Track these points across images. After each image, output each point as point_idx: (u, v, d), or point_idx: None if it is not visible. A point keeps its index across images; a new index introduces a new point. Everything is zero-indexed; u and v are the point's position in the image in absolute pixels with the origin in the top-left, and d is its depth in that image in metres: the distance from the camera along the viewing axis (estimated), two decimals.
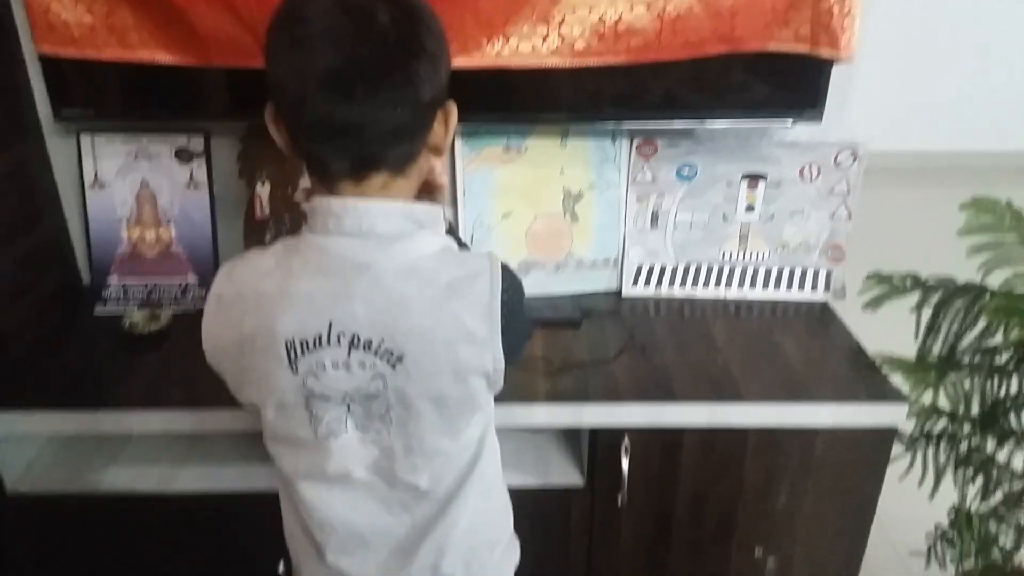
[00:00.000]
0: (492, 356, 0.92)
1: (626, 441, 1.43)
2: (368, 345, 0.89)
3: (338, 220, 0.88)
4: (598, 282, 1.79)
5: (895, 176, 1.95)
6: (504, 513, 1.11)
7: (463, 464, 0.99)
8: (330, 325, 0.88)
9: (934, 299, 1.51)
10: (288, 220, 1.69)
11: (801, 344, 1.57)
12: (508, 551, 1.12)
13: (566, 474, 1.54)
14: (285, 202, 1.69)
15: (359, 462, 0.95)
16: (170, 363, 1.50)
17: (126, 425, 1.37)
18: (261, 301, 0.89)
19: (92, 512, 1.49)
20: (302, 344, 0.89)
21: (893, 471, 1.61)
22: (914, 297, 1.54)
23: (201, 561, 1.56)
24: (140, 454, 1.56)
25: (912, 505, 1.76)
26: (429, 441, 0.95)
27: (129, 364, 1.49)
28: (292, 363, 0.90)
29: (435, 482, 0.97)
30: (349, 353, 0.89)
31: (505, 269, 0.94)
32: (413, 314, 0.88)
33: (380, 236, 0.89)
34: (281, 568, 1.52)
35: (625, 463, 1.45)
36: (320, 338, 0.89)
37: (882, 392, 1.42)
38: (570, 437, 1.63)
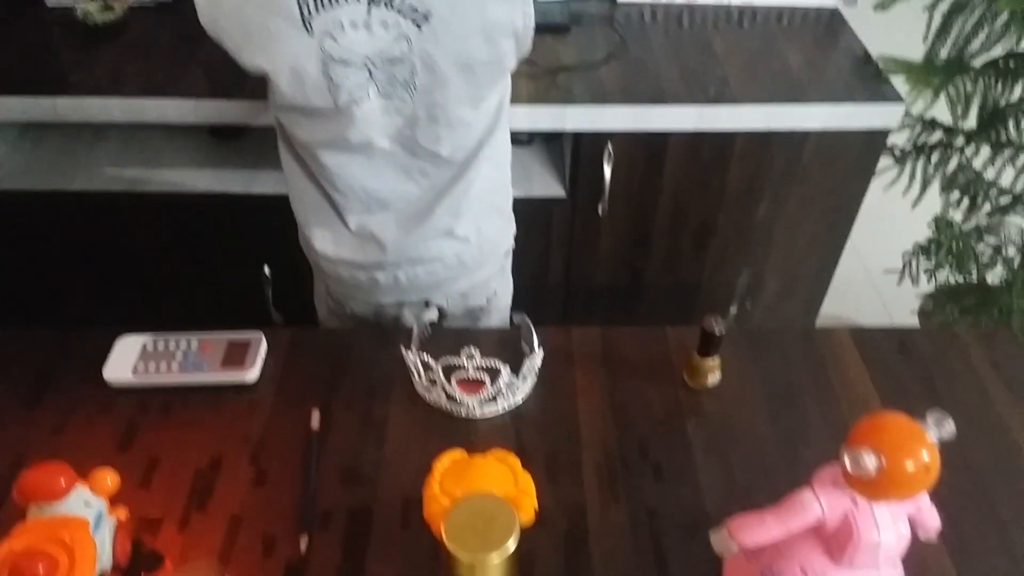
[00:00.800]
0: (523, 12, 0.87)
1: (609, 147, 1.39)
2: (390, 0, 0.82)
3: None
4: None
5: None
6: (508, 185, 1.11)
7: (481, 132, 0.97)
8: None
9: None
10: None
11: (805, 51, 1.48)
12: (509, 221, 1.15)
13: (548, 186, 1.52)
14: None
15: (381, 131, 0.93)
16: (128, 55, 1.41)
17: (86, 112, 1.31)
18: None
19: (66, 210, 1.48)
20: None
21: (873, 197, 1.60)
22: None
23: (182, 261, 1.58)
24: (113, 154, 1.52)
25: (888, 237, 1.78)
26: (453, 110, 0.92)
27: (86, 54, 1.40)
28: (305, 21, 0.82)
29: (455, 150, 0.96)
30: (369, 9, 0.82)
31: None
32: None
33: None
34: (267, 271, 1.56)
35: (607, 171, 1.42)
36: None
37: (880, 94, 1.35)
38: (553, 150, 1.59)
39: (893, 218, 1.70)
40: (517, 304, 1.24)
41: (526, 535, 0.79)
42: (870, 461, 0.52)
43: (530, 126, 1.36)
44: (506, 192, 1.10)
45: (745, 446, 0.86)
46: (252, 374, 0.91)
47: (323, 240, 1.04)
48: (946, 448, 0.85)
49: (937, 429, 0.54)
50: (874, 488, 0.55)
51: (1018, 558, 0.75)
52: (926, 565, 0.74)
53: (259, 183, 1.47)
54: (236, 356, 0.92)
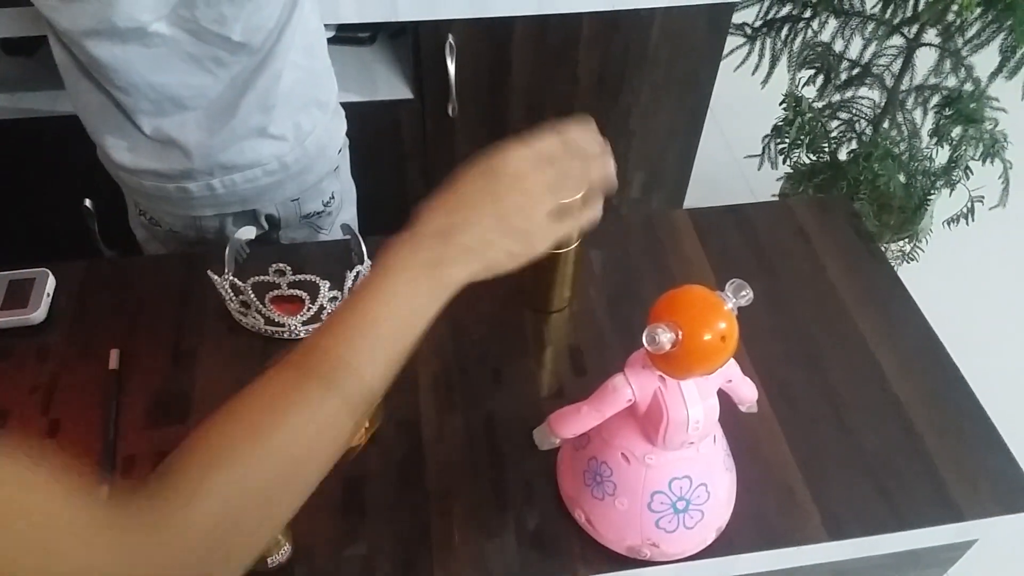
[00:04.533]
0: None
1: (450, 39, 1.30)
2: None
3: None
4: None
5: None
6: (329, 76, 1.00)
7: (279, 12, 0.86)
8: None
9: None
10: None
11: None
12: (336, 116, 1.04)
13: (393, 88, 1.42)
14: None
15: (152, 12, 0.80)
16: None
17: None
18: None
19: None
20: None
21: (738, 83, 1.57)
22: None
23: None
24: None
25: (753, 122, 1.77)
26: None
27: None
28: None
29: (249, 33, 0.84)
30: None
31: None
32: None
33: None
34: (88, 203, 1.41)
35: (451, 66, 1.33)
36: None
37: None
38: (398, 48, 1.48)
39: (758, 104, 1.69)
40: (375, 217, 1.16)
41: (358, 458, 0.74)
42: (665, 336, 0.49)
43: (359, 16, 1.25)
44: (326, 84, 1.00)
45: (586, 340, 0.83)
46: (38, 314, 0.81)
47: (118, 149, 0.92)
48: (779, 319, 0.85)
49: (735, 298, 0.51)
50: (676, 363, 0.52)
51: (846, 424, 0.76)
52: (757, 436, 0.74)
53: (64, 102, 1.30)
54: (18, 296, 0.82)
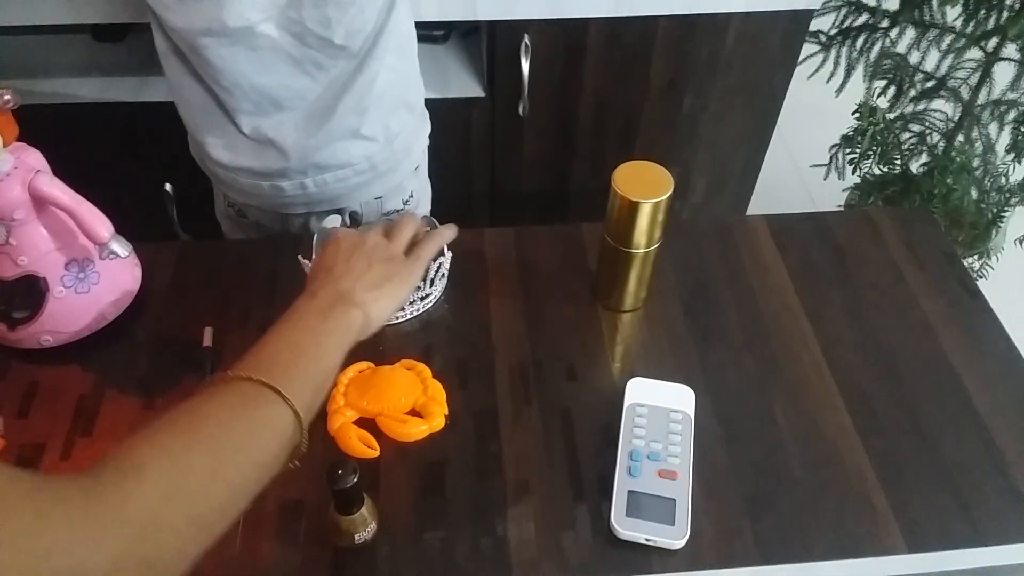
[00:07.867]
0: None
1: (526, 39, 1.31)
2: None
3: None
4: None
5: None
6: (418, 77, 1.03)
7: (377, 15, 0.88)
8: None
9: None
10: None
11: None
12: (423, 118, 1.07)
13: (465, 85, 1.44)
14: None
15: (262, 11, 0.83)
16: None
17: None
18: None
19: None
20: None
21: (803, 92, 1.56)
22: None
23: (73, 179, 1.47)
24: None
25: (818, 132, 1.76)
26: None
27: None
28: None
29: (350, 36, 0.87)
30: None
31: None
32: None
33: None
34: (168, 188, 1.46)
35: (525, 65, 1.35)
36: None
37: None
38: (470, 46, 1.50)
39: (823, 113, 1.67)
40: (442, 213, 1.18)
41: (437, 441, 0.76)
42: None
43: (439, 15, 1.27)
44: (415, 86, 1.02)
45: (660, 341, 0.84)
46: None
47: (216, 147, 0.96)
48: (859, 329, 0.85)
49: None
50: None
51: (926, 437, 0.75)
52: (836, 446, 0.74)
53: (151, 90, 1.35)
54: None
